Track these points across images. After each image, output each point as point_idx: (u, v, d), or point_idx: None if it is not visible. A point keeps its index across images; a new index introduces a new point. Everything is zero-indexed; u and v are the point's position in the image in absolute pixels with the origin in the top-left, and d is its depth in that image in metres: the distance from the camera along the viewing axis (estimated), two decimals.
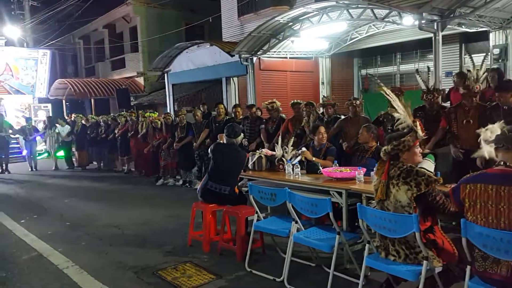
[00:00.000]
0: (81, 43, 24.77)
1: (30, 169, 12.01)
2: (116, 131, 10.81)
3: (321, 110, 6.86)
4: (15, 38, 19.69)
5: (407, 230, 2.62)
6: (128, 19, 20.25)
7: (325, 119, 6.49)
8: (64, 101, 19.86)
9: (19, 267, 4.30)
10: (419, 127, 2.92)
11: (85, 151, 12.17)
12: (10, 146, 12.29)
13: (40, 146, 13.65)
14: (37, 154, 12.62)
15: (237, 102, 12.27)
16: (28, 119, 13.29)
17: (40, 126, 14.06)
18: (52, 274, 4.07)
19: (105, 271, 4.11)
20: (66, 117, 14.92)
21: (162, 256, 4.44)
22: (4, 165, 11.71)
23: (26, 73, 18.25)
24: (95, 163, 12.32)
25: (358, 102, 5.99)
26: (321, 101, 7.16)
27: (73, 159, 12.50)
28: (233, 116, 8.09)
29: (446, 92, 6.37)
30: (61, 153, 12.54)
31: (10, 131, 12.04)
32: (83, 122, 12.32)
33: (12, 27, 19.83)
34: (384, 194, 2.82)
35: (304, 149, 4.79)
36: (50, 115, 15.13)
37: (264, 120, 7.59)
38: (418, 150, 2.92)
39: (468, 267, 2.49)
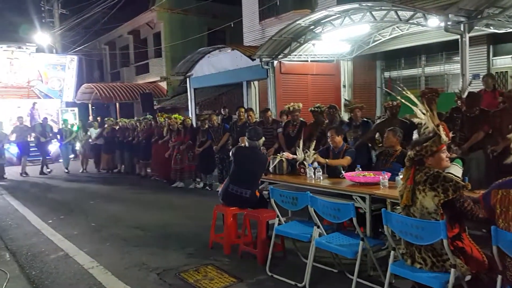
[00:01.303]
0: (106, 49, 25.41)
1: (66, 171, 12.11)
2: (140, 135, 10.80)
3: (347, 114, 6.68)
4: (45, 45, 20.40)
5: (435, 237, 2.56)
6: (152, 25, 20.63)
7: (354, 124, 6.36)
8: (90, 105, 20.38)
9: (47, 266, 4.41)
10: (442, 132, 2.83)
11: (112, 155, 12.14)
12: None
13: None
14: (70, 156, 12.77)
15: (256, 106, 12.31)
16: (65, 121, 13.25)
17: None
18: (78, 274, 4.16)
19: (128, 271, 4.16)
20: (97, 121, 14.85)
21: (184, 258, 4.47)
22: (44, 165, 12.01)
23: (55, 78, 18.86)
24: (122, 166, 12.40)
25: (395, 103, 5.81)
26: (343, 107, 7.04)
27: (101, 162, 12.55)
28: (246, 120, 7.99)
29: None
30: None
31: (51, 134, 12.34)
32: (113, 125, 12.27)
33: (43, 34, 20.56)
34: (409, 199, 2.76)
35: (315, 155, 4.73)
36: (81, 119, 15.37)
37: (281, 124, 7.45)
38: (444, 155, 2.83)
39: (499, 276, 2.40)
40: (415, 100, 3.07)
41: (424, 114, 3.00)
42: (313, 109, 6.88)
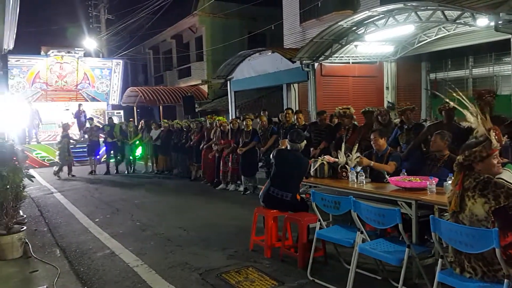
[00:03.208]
0: (150, 53, 26.30)
1: (126, 172, 12.39)
2: (192, 138, 10.65)
3: (396, 117, 6.46)
4: (92, 50, 21.43)
5: (486, 246, 2.44)
6: (194, 29, 21.13)
7: (405, 127, 6.14)
8: (135, 108, 21.15)
9: (94, 263, 4.61)
10: (493, 136, 2.69)
11: (168, 156, 12.10)
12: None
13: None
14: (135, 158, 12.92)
15: (297, 108, 12.24)
16: (128, 122, 13.35)
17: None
18: (123, 272, 4.31)
19: (172, 271, 4.27)
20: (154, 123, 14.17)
21: (226, 259, 4.53)
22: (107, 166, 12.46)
23: (101, 82, 19.79)
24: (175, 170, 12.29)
25: (452, 105, 5.52)
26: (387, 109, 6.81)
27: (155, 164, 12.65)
28: (294, 122, 7.97)
29: None
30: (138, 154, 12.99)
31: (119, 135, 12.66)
32: (170, 127, 12.17)
33: (90, 39, 21.62)
34: (457, 205, 2.66)
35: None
36: (145, 119, 15.52)
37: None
38: (495, 160, 2.69)
39: None
40: (467, 102, 2.93)
41: (475, 117, 2.87)
42: (366, 110, 6.62)
